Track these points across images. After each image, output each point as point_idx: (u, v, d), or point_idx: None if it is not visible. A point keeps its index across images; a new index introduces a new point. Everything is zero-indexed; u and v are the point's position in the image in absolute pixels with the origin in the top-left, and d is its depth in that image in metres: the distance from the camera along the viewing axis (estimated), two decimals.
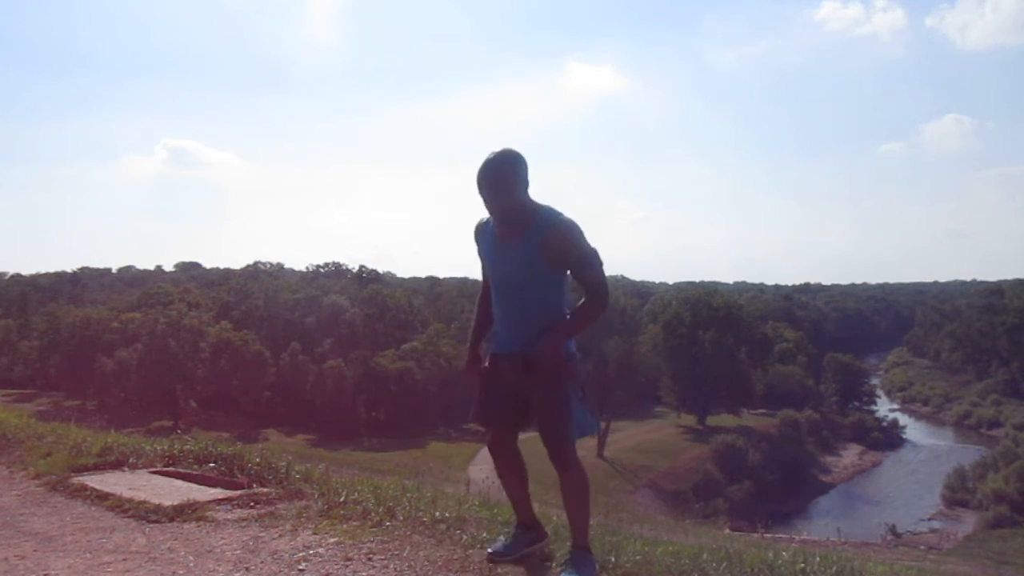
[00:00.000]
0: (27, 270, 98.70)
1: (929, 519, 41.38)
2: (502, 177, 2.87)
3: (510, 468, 3.22)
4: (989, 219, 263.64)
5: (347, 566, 3.24)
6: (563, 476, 2.99)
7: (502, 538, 3.30)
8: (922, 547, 30.56)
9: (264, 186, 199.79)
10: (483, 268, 3.16)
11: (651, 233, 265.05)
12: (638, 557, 3.25)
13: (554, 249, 2.89)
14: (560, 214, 2.93)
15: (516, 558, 3.15)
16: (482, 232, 3.11)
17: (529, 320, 2.99)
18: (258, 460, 4.97)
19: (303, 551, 3.42)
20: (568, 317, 2.99)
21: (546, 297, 2.98)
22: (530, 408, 3.03)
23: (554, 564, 3.18)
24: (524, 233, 2.92)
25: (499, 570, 3.13)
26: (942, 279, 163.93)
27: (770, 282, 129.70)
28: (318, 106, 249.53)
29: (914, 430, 64.96)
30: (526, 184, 2.92)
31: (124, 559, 3.45)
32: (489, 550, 3.20)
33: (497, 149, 2.90)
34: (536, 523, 3.29)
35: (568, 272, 2.98)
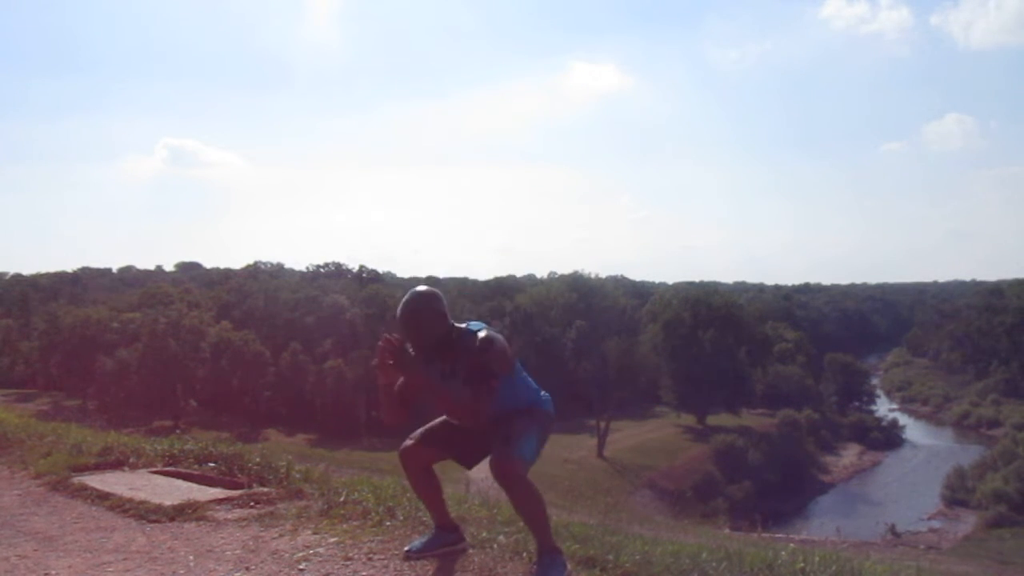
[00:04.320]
0: (27, 270, 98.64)
1: (929, 519, 41.38)
2: (427, 319, 3.11)
3: (423, 480, 3.34)
4: (989, 219, 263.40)
5: (347, 566, 3.25)
6: (510, 494, 3.04)
7: (422, 538, 3.39)
8: (921, 547, 30.53)
9: (264, 186, 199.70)
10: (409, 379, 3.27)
11: (651, 233, 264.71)
12: (638, 557, 3.26)
13: (480, 365, 3.08)
14: (477, 333, 3.12)
15: (432, 555, 3.26)
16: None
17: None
18: (258, 460, 4.97)
19: (303, 551, 3.43)
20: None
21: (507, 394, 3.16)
22: (479, 445, 3.19)
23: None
24: (454, 359, 3.13)
25: (499, 569, 3.14)
26: (942, 279, 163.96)
27: (770, 282, 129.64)
28: (318, 105, 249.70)
29: (914, 430, 64.97)
30: (446, 314, 3.16)
31: (124, 559, 3.46)
32: (406, 548, 3.32)
33: (413, 291, 3.16)
34: (454, 526, 3.39)
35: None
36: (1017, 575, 23.92)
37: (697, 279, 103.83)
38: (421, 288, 3.17)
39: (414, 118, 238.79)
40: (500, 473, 2.99)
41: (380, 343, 3.08)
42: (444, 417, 3.32)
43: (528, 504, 3.04)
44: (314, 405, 50.47)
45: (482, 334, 3.11)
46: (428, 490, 3.35)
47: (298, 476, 4.66)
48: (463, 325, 3.18)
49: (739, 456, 47.14)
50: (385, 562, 3.26)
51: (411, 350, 3.13)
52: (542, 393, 3.34)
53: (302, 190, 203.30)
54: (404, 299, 3.15)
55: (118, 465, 5.29)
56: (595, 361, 53.87)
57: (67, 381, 52.23)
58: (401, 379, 3.20)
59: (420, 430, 3.33)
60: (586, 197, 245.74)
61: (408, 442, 3.30)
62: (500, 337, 3.14)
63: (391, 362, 3.07)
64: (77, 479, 4.83)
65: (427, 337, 3.12)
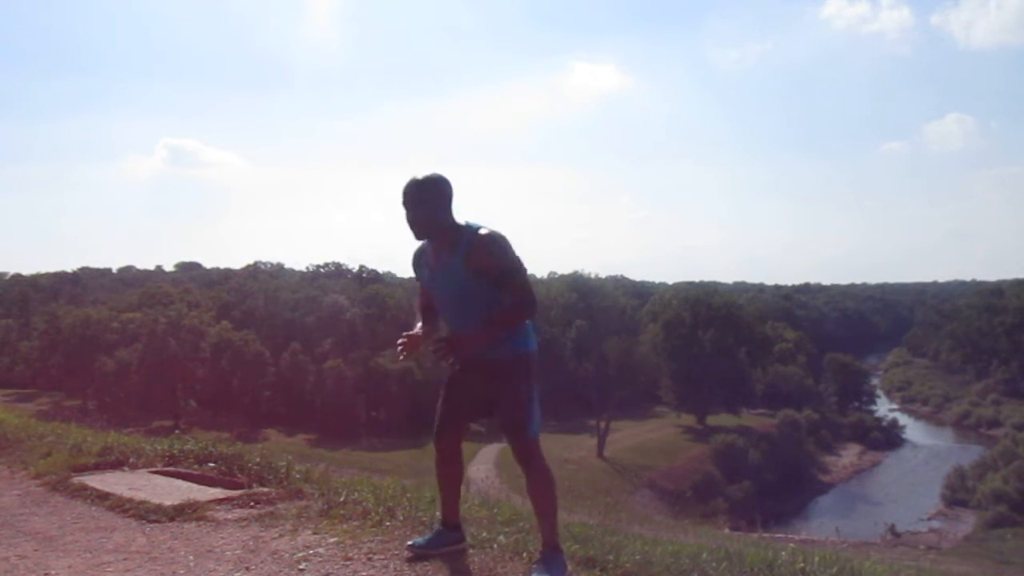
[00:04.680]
0: (27, 270, 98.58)
1: (929, 519, 41.39)
2: (425, 197, 3.06)
3: (450, 466, 3.35)
4: (989, 219, 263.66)
5: (347, 566, 3.25)
6: (528, 472, 3.10)
7: (427, 533, 3.39)
8: (921, 547, 30.56)
9: (264, 186, 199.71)
10: (421, 287, 3.36)
11: (651, 233, 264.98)
12: (638, 557, 3.26)
13: (479, 263, 3.03)
14: (481, 229, 3.07)
15: (435, 553, 3.26)
16: (420, 259, 3.28)
17: (475, 329, 3.10)
18: (258, 460, 4.97)
19: (303, 551, 3.43)
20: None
21: (489, 306, 3.09)
22: (489, 408, 3.19)
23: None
24: (451, 251, 3.09)
25: (499, 569, 3.14)
26: (942, 279, 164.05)
27: (770, 282, 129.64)
28: (318, 105, 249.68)
29: (913, 430, 64.99)
30: (449, 203, 3.10)
31: (124, 559, 3.46)
32: (408, 543, 3.32)
33: (419, 174, 3.07)
34: (457, 524, 3.39)
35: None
36: (1017, 575, 23.92)
37: (697, 279, 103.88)
38: (432, 171, 3.09)
39: (414, 118, 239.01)
40: (518, 455, 3.09)
41: (400, 350, 3.24)
42: (445, 396, 3.32)
43: (543, 486, 3.09)
44: (314, 405, 50.48)
45: (483, 231, 3.06)
46: (450, 477, 3.36)
47: (298, 476, 4.67)
48: (463, 222, 3.12)
49: (739, 456, 47.16)
50: (385, 562, 3.26)
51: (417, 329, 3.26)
52: (527, 323, 3.24)
53: (302, 190, 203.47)
54: (410, 178, 3.08)
55: (118, 465, 5.29)
56: (595, 361, 53.88)
57: (67, 381, 52.24)
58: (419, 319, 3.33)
59: (438, 415, 3.34)
60: (586, 197, 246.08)
61: (437, 426, 3.33)
62: (504, 238, 3.08)
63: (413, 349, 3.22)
64: (77, 479, 4.84)
65: (424, 217, 3.06)
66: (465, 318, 3.12)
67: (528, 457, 3.09)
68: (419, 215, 3.07)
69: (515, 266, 3.07)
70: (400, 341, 3.25)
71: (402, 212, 3.12)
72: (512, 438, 3.12)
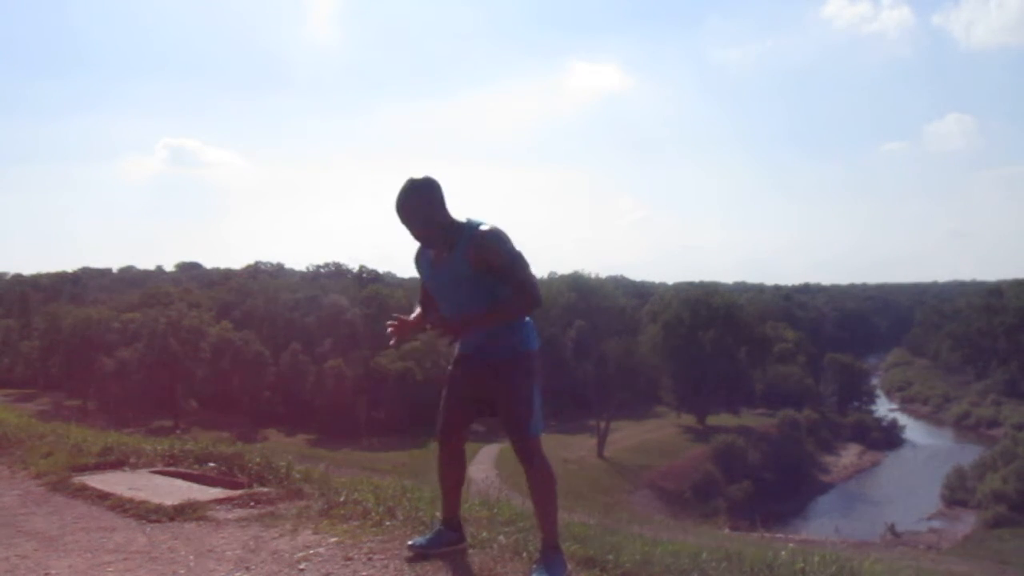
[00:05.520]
0: (27, 270, 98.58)
1: (928, 519, 41.40)
2: (417, 205, 3.07)
3: (453, 464, 3.38)
4: (989, 219, 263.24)
5: (347, 566, 3.25)
6: (529, 470, 3.12)
7: (428, 533, 3.40)
8: (921, 546, 30.54)
9: (264, 186, 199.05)
10: (423, 284, 3.38)
11: (652, 233, 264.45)
12: (638, 557, 3.26)
13: (480, 259, 3.06)
14: (480, 225, 3.09)
15: (435, 553, 3.27)
16: (421, 256, 3.30)
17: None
18: (258, 460, 4.98)
19: (303, 551, 3.44)
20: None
21: (493, 301, 3.11)
22: (491, 407, 3.20)
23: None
24: (451, 250, 3.12)
25: (499, 569, 3.15)
26: (942, 279, 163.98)
27: (770, 282, 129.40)
28: (318, 105, 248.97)
29: (913, 430, 64.99)
30: (442, 204, 3.10)
31: (125, 559, 3.46)
32: (409, 543, 3.33)
33: (410, 178, 3.08)
34: (458, 524, 3.40)
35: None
36: (1017, 575, 23.91)
37: (697, 279, 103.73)
38: (418, 176, 3.10)
39: (414, 118, 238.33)
40: (520, 453, 3.12)
41: (390, 333, 3.26)
42: (447, 395, 3.33)
43: (544, 484, 3.11)
44: (314, 405, 50.50)
45: (484, 227, 3.08)
46: (452, 476, 3.38)
47: (298, 476, 4.67)
48: (463, 219, 3.14)
49: (739, 456, 47.16)
50: (385, 562, 3.27)
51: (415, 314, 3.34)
52: (527, 320, 3.25)
53: (302, 190, 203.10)
54: (400, 188, 3.09)
55: (118, 465, 5.29)
56: (595, 361, 53.87)
57: (67, 381, 52.26)
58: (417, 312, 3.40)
59: (440, 414, 3.35)
60: (586, 197, 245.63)
61: (440, 425, 3.35)
62: (502, 230, 3.10)
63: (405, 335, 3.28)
64: (77, 479, 4.84)
65: (420, 223, 3.09)
66: (467, 313, 3.13)
67: (529, 456, 3.11)
68: (418, 225, 3.10)
69: (516, 260, 3.09)
70: (389, 323, 3.26)
71: (403, 226, 3.14)
72: (514, 437, 3.13)
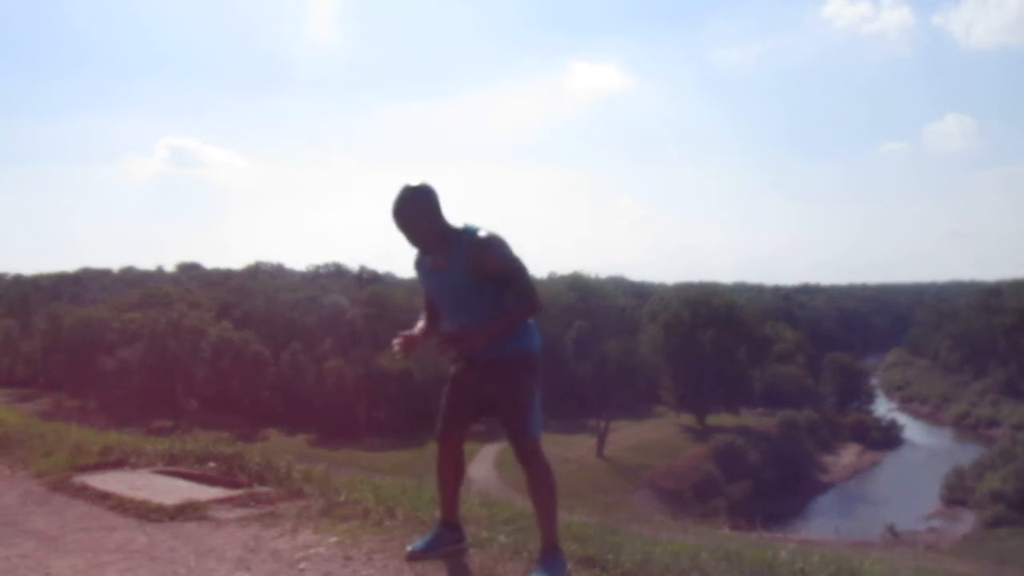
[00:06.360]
0: (28, 271, 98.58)
1: (928, 518, 41.42)
2: (413, 211, 3.09)
3: (451, 464, 3.38)
4: (989, 219, 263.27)
5: (347, 565, 3.26)
6: (529, 470, 3.13)
7: (425, 537, 3.38)
8: (920, 546, 30.57)
9: (264, 186, 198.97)
10: (425, 291, 3.38)
11: (652, 233, 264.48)
12: (638, 557, 3.27)
13: (479, 264, 3.07)
14: (478, 231, 3.10)
15: (435, 555, 3.27)
16: (421, 262, 3.31)
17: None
18: (258, 460, 4.98)
19: (304, 550, 3.44)
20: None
21: (490, 307, 3.13)
22: (491, 406, 3.21)
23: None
24: (449, 256, 3.12)
25: (499, 569, 3.15)
26: (941, 279, 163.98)
27: (770, 282, 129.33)
28: (318, 105, 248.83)
29: (913, 430, 65.02)
30: (438, 210, 3.12)
31: (125, 558, 3.47)
32: (409, 548, 3.32)
33: (405, 185, 3.10)
34: (457, 524, 3.41)
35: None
36: (1017, 575, 23.92)
37: (697, 279, 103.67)
38: (414, 182, 3.11)
39: (414, 118, 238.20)
40: (520, 454, 3.12)
41: (397, 351, 3.21)
42: (447, 394, 3.33)
43: (543, 484, 3.11)
44: (314, 405, 50.48)
45: (482, 233, 3.09)
46: (451, 476, 3.38)
47: (298, 476, 4.68)
48: (460, 225, 3.15)
49: (739, 456, 47.17)
50: (385, 562, 3.27)
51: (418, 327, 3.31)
52: (530, 322, 3.25)
53: (302, 190, 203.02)
54: (396, 195, 3.11)
55: (119, 465, 5.30)
56: (595, 361, 53.88)
57: (68, 381, 52.21)
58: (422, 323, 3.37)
59: (440, 413, 3.35)
60: (586, 197, 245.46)
61: (440, 424, 3.35)
62: (500, 236, 3.11)
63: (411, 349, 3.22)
64: (78, 479, 4.84)
65: (419, 230, 3.11)
66: (467, 320, 3.14)
67: (529, 456, 3.12)
68: (415, 232, 3.12)
69: (515, 266, 3.10)
70: (396, 341, 3.27)
71: (400, 232, 3.16)
72: (513, 437, 3.14)
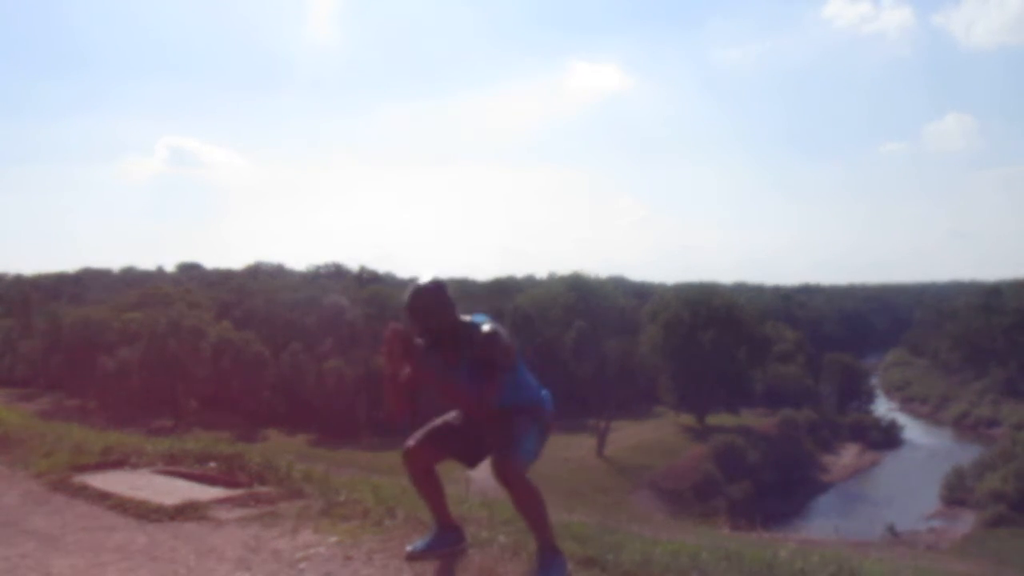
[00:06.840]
0: (28, 270, 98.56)
1: (928, 518, 41.40)
2: (435, 306, 3.22)
3: (426, 481, 3.38)
4: (989, 219, 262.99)
5: (347, 565, 3.26)
6: (512, 492, 3.11)
7: (424, 538, 3.40)
8: (920, 546, 30.55)
9: (264, 186, 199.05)
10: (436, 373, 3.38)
11: (652, 233, 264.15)
12: (638, 557, 3.27)
13: (481, 356, 3.17)
14: (483, 325, 3.21)
15: (434, 556, 3.29)
16: (433, 355, 3.33)
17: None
18: (259, 460, 4.99)
19: (304, 550, 3.44)
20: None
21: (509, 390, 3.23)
22: (477, 454, 3.28)
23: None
24: (458, 348, 3.23)
25: (499, 569, 3.15)
26: (941, 279, 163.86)
27: (770, 282, 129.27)
28: (318, 105, 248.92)
29: (913, 430, 64.99)
30: (450, 305, 3.27)
31: (125, 558, 3.47)
32: (408, 549, 3.34)
33: (421, 281, 3.26)
34: (455, 525, 3.42)
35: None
36: (1016, 575, 23.92)
37: (697, 279, 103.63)
38: (428, 279, 3.25)
39: (414, 118, 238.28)
40: (501, 473, 3.06)
41: (387, 333, 3.17)
42: (446, 417, 3.37)
43: (529, 503, 3.09)
44: (314, 405, 50.46)
45: (486, 327, 3.18)
46: (430, 491, 3.38)
47: (298, 476, 4.68)
48: (468, 317, 3.26)
49: (738, 456, 47.14)
50: (385, 562, 3.28)
51: (418, 341, 3.24)
52: (543, 391, 3.40)
53: (302, 190, 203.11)
54: (412, 288, 3.24)
55: (119, 465, 5.30)
56: (595, 361, 53.86)
57: (68, 381, 52.22)
58: (407, 370, 3.25)
59: (422, 430, 3.35)
60: (586, 197, 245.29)
61: (410, 443, 3.33)
62: (504, 331, 3.22)
63: (398, 352, 3.17)
64: (78, 479, 4.85)
65: (433, 326, 3.20)
66: (475, 391, 3.20)
67: (512, 478, 3.07)
68: (433, 323, 3.21)
69: (510, 363, 3.21)
70: (392, 327, 3.24)
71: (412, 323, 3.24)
72: (497, 456, 3.10)
